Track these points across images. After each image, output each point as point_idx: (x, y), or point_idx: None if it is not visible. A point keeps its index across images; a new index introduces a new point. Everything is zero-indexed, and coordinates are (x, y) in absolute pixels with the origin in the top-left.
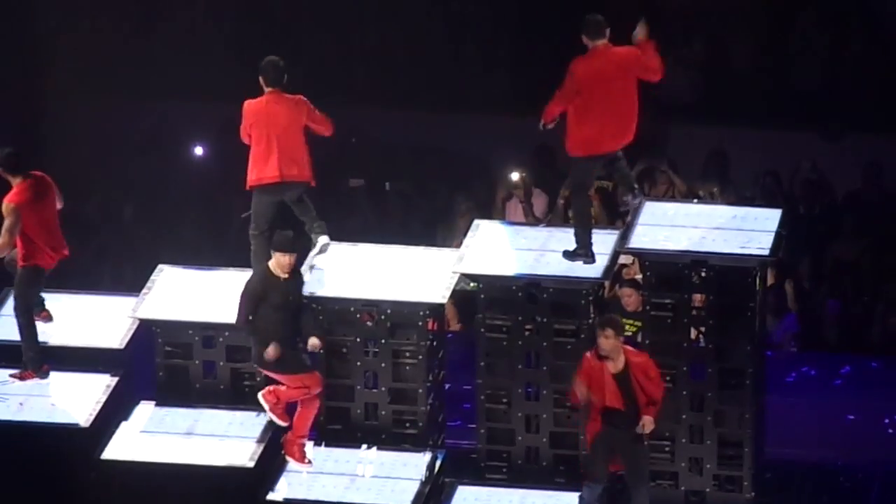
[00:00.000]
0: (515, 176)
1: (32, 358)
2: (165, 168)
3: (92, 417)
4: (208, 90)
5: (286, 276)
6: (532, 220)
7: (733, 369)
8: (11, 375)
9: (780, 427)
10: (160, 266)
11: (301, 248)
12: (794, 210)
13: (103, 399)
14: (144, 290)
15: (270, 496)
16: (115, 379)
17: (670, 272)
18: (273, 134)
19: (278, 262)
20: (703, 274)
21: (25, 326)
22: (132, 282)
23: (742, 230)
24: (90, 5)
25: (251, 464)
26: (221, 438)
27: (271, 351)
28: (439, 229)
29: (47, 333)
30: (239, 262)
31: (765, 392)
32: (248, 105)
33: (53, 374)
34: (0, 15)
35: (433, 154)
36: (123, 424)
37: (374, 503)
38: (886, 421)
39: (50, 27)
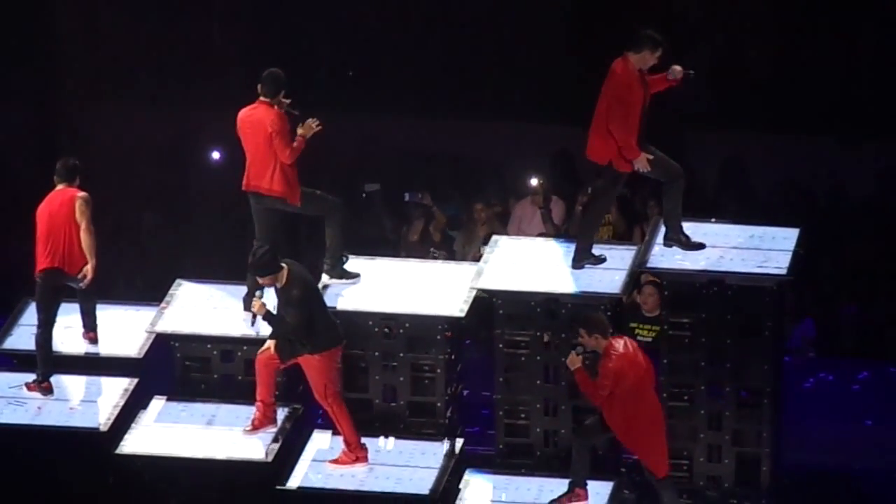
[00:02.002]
0: (534, 182)
1: (40, 371)
2: (185, 176)
3: (111, 421)
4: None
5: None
6: (550, 228)
7: (751, 388)
8: (27, 383)
9: (798, 433)
10: (178, 280)
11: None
12: (811, 216)
13: (122, 403)
14: (162, 305)
15: (287, 485)
16: (134, 382)
17: (688, 291)
18: (250, 143)
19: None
20: (720, 292)
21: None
22: (147, 290)
23: (760, 249)
24: (108, 12)
25: (269, 458)
26: (238, 432)
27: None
28: (458, 237)
29: (65, 343)
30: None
31: (782, 409)
32: (240, 112)
33: (71, 378)
34: (19, 21)
35: (448, 161)
36: (140, 417)
37: (392, 491)
38: None
39: (68, 34)
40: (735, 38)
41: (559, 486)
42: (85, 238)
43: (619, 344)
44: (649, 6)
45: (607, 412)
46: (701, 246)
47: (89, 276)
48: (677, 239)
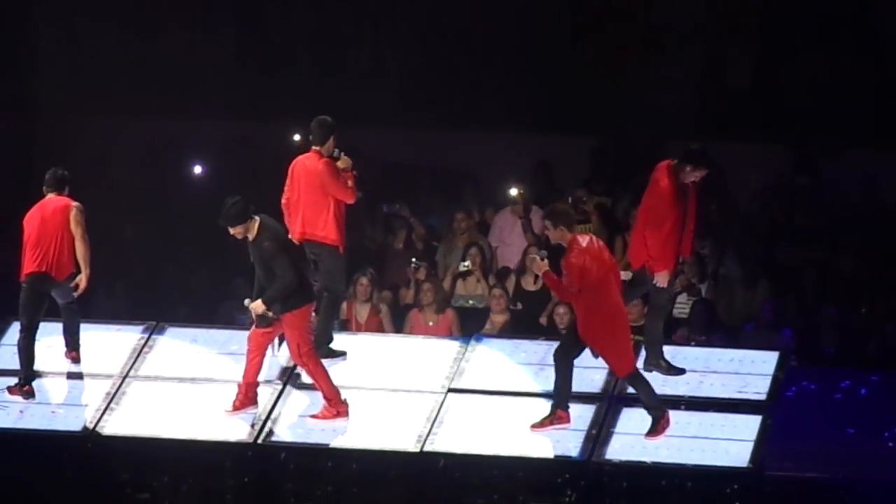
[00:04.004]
0: (514, 192)
1: (22, 375)
2: (165, 186)
3: (92, 425)
4: (208, 108)
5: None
6: (530, 237)
7: None
8: (9, 387)
9: (780, 442)
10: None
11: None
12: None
13: (104, 406)
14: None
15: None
16: (117, 385)
17: (648, 484)
18: (304, 192)
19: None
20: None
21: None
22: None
23: (739, 374)
24: (89, 21)
25: (251, 439)
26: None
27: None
28: (440, 247)
29: (47, 363)
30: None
31: None
32: (295, 160)
33: (53, 382)
34: None
35: (428, 172)
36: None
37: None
38: (886, 435)
39: (48, 43)
40: (716, 48)
41: None
42: (80, 248)
43: (584, 240)
44: (632, 16)
45: (575, 310)
46: (681, 371)
47: (83, 286)
48: (657, 364)
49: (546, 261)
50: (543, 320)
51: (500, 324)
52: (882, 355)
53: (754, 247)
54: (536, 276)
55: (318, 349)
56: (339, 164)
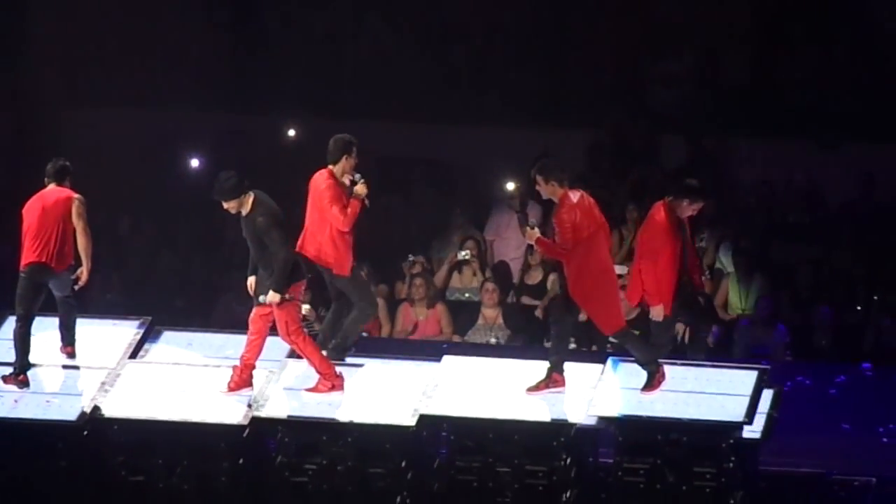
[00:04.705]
0: (511, 186)
1: (17, 364)
2: (162, 179)
3: (87, 414)
4: (204, 100)
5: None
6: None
7: None
8: (3, 376)
9: (775, 437)
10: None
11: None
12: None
13: (98, 396)
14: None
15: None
16: (111, 376)
17: (643, 439)
18: (310, 208)
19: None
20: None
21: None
22: (123, 291)
23: (716, 394)
24: (84, 14)
25: (245, 421)
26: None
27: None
28: (433, 244)
29: (43, 357)
30: (230, 274)
31: None
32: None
33: (48, 371)
34: None
35: (426, 166)
36: (115, 380)
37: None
38: (881, 430)
39: (43, 35)
40: (713, 44)
41: None
42: (82, 240)
43: (575, 195)
44: (630, 13)
45: (565, 270)
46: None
47: (84, 278)
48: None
49: (537, 229)
50: (539, 312)
51: (492, 318)
52: (877, 350)
53: (750, 242)
54: (530, 246)
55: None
56: (357, 188)
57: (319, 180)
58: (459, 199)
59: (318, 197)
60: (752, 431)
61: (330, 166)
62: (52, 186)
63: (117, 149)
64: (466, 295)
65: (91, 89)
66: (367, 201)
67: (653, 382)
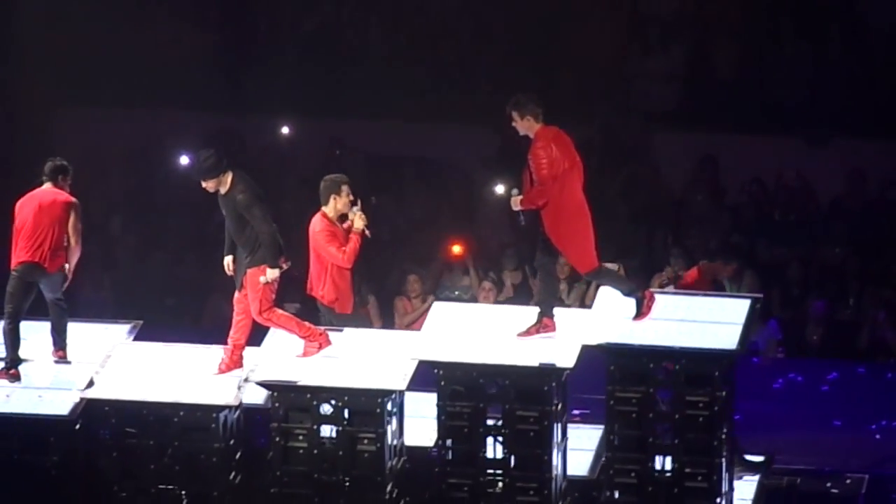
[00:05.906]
0: (501, 189)
1: (8, 359)
2: (152, 178)
3: (78, 408)
4: (194, 100)
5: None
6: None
7: (700, 463)
8: None
9: (767, 433)
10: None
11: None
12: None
13: (88, 390)
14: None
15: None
16: (101, 370)
17: (635, 367)
18: (311, 250)
19: None
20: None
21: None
22: (113, 291)
23: (709, 322)
24: (73, 13)
25: (236, 402)
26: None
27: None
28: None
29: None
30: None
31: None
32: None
33: (39, 366)
34: None
35: (414, 163)
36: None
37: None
38: (873, 427)
39: (31, 34)
40: (703, 39)
41: None
42: (74, 248)
43: (551, 131)
44: (619, 6)
45: (542, 211)
46: None
47: (70, 268)
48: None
49: (520, 196)
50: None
51: None
52: (871, 346)
53: (740, 238)
54: (519, 213)
55: None
56: (356, 221)
57: (314, 223)
58: (448, 195)
59: (315, 241)
60: (729, 342)
61: (323, 208)
62: (48, 186)
63: (108, 149)
64: (456, 292)
65: (82, 89)
66: (367, 232)
67: (642, 309)
